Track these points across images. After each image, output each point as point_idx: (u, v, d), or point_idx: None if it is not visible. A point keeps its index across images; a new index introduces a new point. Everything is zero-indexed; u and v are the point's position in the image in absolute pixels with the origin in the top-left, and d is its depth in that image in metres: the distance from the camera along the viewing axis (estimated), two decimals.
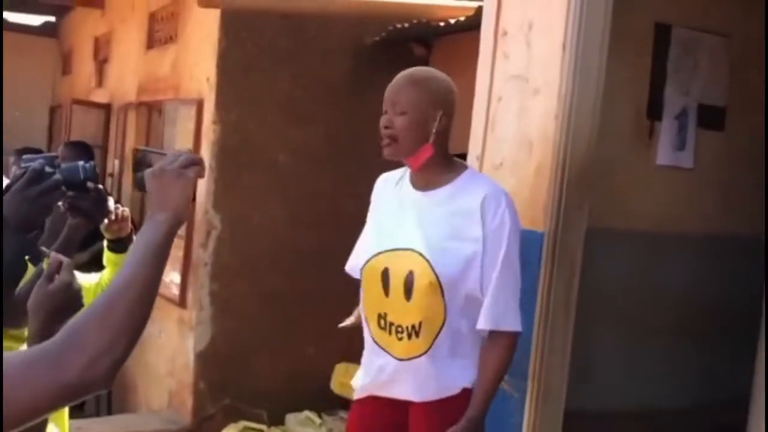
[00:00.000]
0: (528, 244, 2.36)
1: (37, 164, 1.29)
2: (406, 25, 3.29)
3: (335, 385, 3.36)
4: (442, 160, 1.77)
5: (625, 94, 2.81)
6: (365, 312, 1.83)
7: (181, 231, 3.49)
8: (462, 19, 2.96)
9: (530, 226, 2.36)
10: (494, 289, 1.70)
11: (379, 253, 1.78)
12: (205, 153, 3.31)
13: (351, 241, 2.03)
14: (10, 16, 7.91)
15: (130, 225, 1.80)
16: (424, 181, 1.77)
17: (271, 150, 3.40)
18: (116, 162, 4.65)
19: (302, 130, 3.47)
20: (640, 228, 2.83)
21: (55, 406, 0.86)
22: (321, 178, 3.49)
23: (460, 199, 1.74)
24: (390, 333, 1.76)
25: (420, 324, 1.72)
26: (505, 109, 2.53)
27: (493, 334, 1.73)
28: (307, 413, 3.35)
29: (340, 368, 3.37)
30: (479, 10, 2.70)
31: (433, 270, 1.69)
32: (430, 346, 1.72)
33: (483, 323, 1.71)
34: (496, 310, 1.70)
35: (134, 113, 4.46)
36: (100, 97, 5.35)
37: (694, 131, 2.95)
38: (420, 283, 1.71)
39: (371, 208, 1.93)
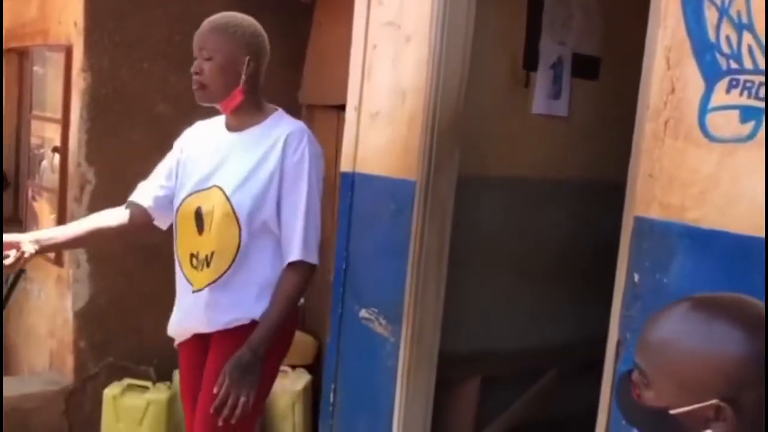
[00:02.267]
0: (402, 193, 2.39)
1: None
2: None
3: None
4: (253, 104, 1.83)
5: (501, 45, 2.85)
6: (178, 253, 1.89)
7: (53, 186, 3.32)
8: None
9: (404, 175, 2.39)
10: (299, 222, 1.76)
11: (190, 194, 1.84)
12: (76, 102, 3.14)
13: None
14: None
15: None
16: (236, 122, 1.85)
17: (149, 99, 3.25)
18: None
19: (183, 78, 3.30)
20: (516, 174, 2.91)
21: None
22: None
23: (265, 137, 1.81)
24: (198, 269, 1.82)
25: (212, 254, 1.79)
26: (381, 57, 2.51)
27: (291, 265, 1.78)
28: None
29: None
30: None
31: (229, 202, 1.76)
32: (221, 275, 1.78)
33: (291, 255, 1.76)
34: (301, 243, 1.76)
35: (4, 61, 4.16)
36: None
37: (569, 81, 3.04)
38: (216, 214, 1.78)
39: (178, 151, 1.95)
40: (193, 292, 1.83)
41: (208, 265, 1.79)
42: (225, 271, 1.78)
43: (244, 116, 1.83)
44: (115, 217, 1.91)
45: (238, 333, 1.77)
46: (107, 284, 3.22)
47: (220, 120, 1.92)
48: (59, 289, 3.36)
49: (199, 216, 1.81)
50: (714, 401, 0.85)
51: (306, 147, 1.78)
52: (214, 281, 1.79)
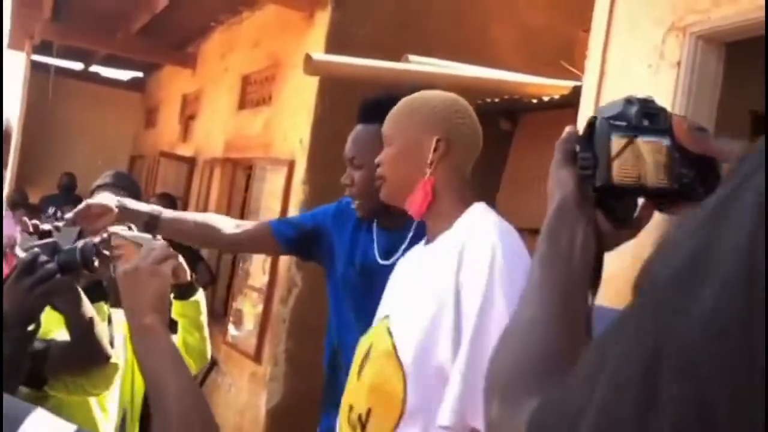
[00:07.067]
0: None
1: (30, 254, 1.26)
2: (497, 99, 3.38)
3: None
4: (450, 203, 1.28)
5: None
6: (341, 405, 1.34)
7: (262, 286, 3.56)
8: (556, 97, 3.02)
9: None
10: (463, 367, 1.11)
11: (372, 327, 1.33)
12: (292, 211, 3.40)
13: None
14: (101, 71, 8.43)
15: (188, 272, 1.75)
16: (429, 230, 1.32)
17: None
18: None
19: None
20: None
21: None
22: None
23: (441, 247, 1.26)
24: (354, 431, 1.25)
25: (369, 411, 1.21)
26: None
27: None
28: None
29: None
30: (575, 89, 2.76)
31: (389, 334, 1.22)
32: None
33: (444, 417, 1.11)
34: (464, 399, 1.10)
35: (219, 168, 4.63)
36: (184, 151, 5.57)
37: None
38: (375, 352, 1.24)
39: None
40: None
41: (363, 428, 1.21)
42: None
43: (437, 220, 1.30)
44: None
45: None
46: (300, 385, 3.33)
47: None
48: (252, 385, 3.52)
49: (367, 355, 1.27)
50: None
51: (487, 260, 1.15)
52: None
